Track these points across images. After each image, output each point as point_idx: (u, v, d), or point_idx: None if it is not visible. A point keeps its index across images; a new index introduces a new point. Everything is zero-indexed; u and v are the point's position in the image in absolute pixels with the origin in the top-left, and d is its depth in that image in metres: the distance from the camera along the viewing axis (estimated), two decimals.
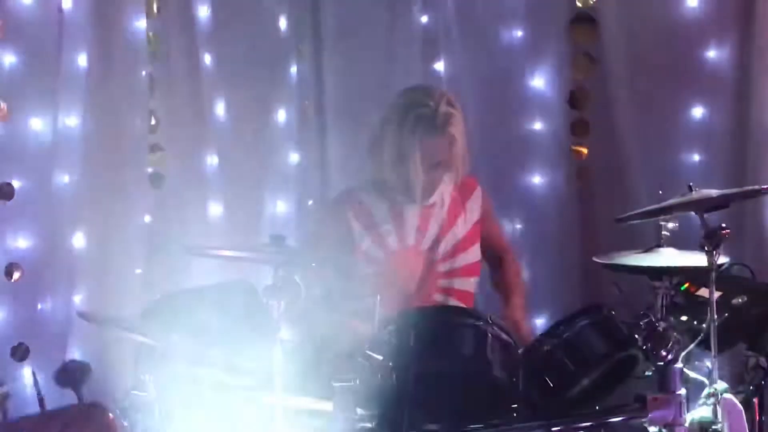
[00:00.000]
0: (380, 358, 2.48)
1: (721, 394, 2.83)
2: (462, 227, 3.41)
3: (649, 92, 4.17)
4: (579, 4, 4.26)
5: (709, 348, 2.88)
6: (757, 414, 3.17)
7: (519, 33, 4.34)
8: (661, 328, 2.71)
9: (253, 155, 4.41)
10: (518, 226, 4.34)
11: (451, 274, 3.37)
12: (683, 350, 2.74)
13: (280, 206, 4.54)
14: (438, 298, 3.35)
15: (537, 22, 4.33)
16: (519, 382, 2.70)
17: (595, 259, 3.51)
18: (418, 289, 3.32)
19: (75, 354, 3.71)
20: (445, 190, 3.40)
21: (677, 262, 3.31)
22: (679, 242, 3.37)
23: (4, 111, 3.49)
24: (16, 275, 3.56)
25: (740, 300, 3.25)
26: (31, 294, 3.60)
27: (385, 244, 3.31)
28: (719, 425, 2.81)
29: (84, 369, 2.28)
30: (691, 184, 3.18)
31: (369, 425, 2.56)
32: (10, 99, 3.51)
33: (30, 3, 3.54)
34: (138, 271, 3.89)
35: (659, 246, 3.40)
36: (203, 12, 4.17)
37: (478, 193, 3.48)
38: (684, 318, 3.22)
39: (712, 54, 4.10)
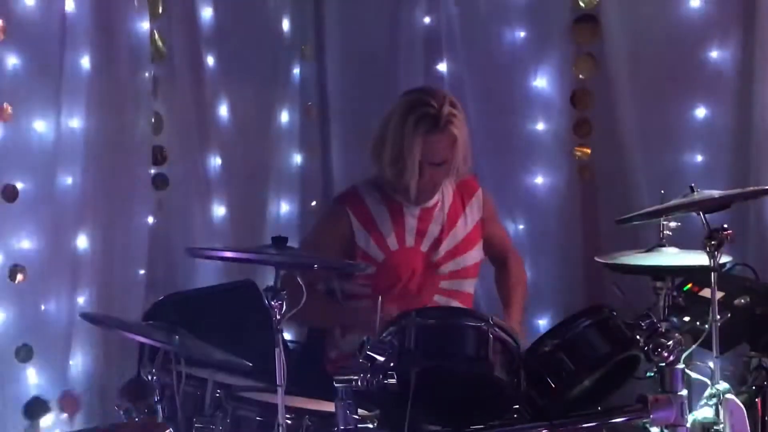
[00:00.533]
0: (382, 358, 2.48)
1: (723, 395, 2.83)
2: (462, 229, 3.41)
3: (651, 92, 4.16)
4: (582, 5, 4.25)
5: (711, 348, 2.88)
6: (760, 414, 3.17)
7: (522, 33, 4.34)
8: (662, 329, 2.71)
9: (256, 156, 4.42)
10: (521, 226, 4.34)
11: (451, 275, 3.37)
12: (685, 351, 2.74)
13: (284, 207, 4.55)
14: (438, 299, 3.35)
15: (539, 22, 4.33)
16: (520, 382, 2.70)
17: (597, 259, 3.52)
18: (418, 291, 3.33)
19: (78, 355, 3.72)
20: (446, 191, 3.41)
21: (679, 262, 3.31)
22: (681, 242, 3.37)
23: (7, 112, 3.49)
24: (19, 277, 3.57)
25: (743, 300, 3.25)
26: (35, 295, 3.60)
27: (385, 244, 3.31)
28: (721, 426, 2.81)
29: (148, 387, 2.33)
30: (693, 184, 3.18)
31: (371, 426, 2.56)
32: (14, 100, 3.51)
33: (33, 4, 3.54)
34: (141, 272, 3.90)
35: (661, 246, 3.40)
36: (206, 13, 4.18)
37: (479, 194, 3.48)
38: (686, 318, 3.23)
39: (714, 54, 4.10)
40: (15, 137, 3.53)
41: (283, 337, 2.48)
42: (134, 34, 3.84)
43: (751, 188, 3.57)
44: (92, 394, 3.75)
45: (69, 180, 3.66)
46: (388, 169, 3.25)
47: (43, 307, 3.62)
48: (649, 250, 3.44)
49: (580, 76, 4.32)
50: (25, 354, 3.59)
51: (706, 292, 3.23)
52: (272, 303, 2.49)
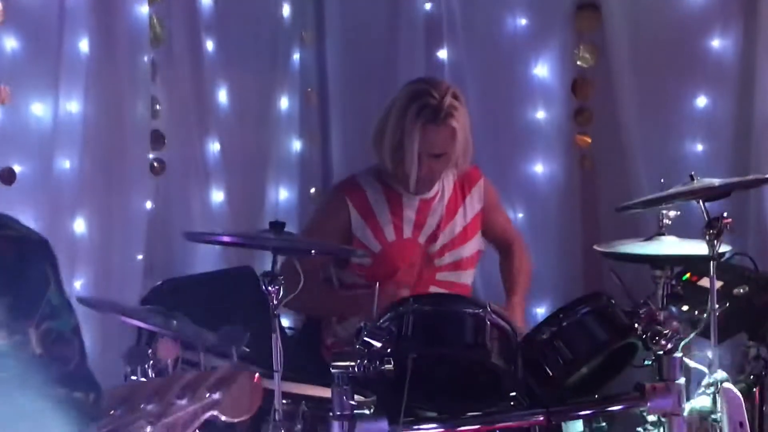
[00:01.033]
0: (379, 344, 2.47)
1: (721, 384, 2.82)
2: (461, 220, 3.40)
3: (652, 81, 4.16)
4: None
5: (709, 337, 2.88)
6: (757, 404, 3.17)
7: (523, 21, 4.32)
8: (661, 317, 2.70)
9: (255, 142, 4.41)
10: (520, 214, 4.34)
11: (448, 267, 3.37)
12: (683, 339, 2.73)
13: (283, 193, 4.54)
14: (435, 291, 3.34)
15: (541, 10, 4.31)
16: (518, 369, 2.70)
17: (596, 247, 3.51)
18: (415, 281, 3.32)
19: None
20: (447, 182, 3.39)
21: (678, 251, 3.31)
22: (680, 231, 3.36)
23: (6, 92, 3.47)
24: None
25: (741, 290, 3.25)
26: None
27: (382, 235, 3.31)
28: (718, 415, 2.81)
29: (242, 333, 2.36)
30: (693, 173, 3.18)
31: (367, 412, 2.55)
32: (12, 83, 3.49)
33: None
34: (139, 257, 3.88)
35: (661, 234, 3.40)
36: None
37: (481, 183, 3.47)
38: (685, 307, 3.22)
39: (716, 43, 4.09)
40: (13, 120, 3.51)
41: (280, 322, 2.48)
42: (133, 18, 3.81)
43: (751, 177, 3.56)
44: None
45: (67, 164, 3.64)
46: (388, 158, 3.24)
47: None
48: (649, 239, 3.43)
49: (581, 65, 4.31)
50: None
51: (704, 282, 3.23)
52: (269, 288, 2.49)
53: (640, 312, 2.72)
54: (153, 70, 3.95)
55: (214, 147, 4.18)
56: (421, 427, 2.67)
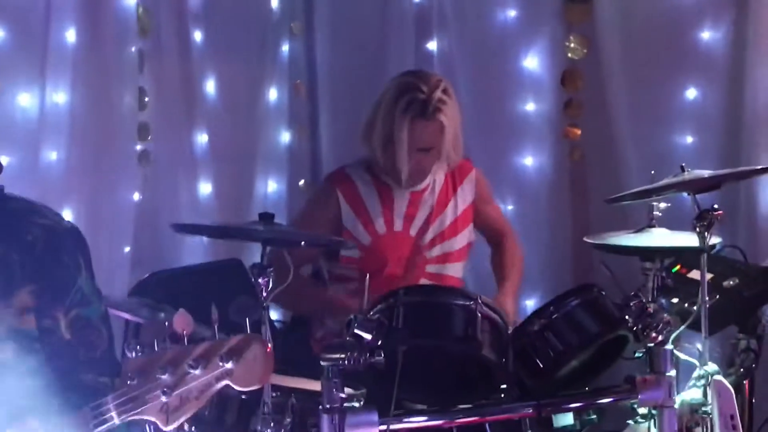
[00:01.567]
0: (369, 336, 2.46)
1: (712, 376, 2.82)
2: (452, 213, 3.38)
3: (642, 73, 4.15)
4: None
5: (699, 330, 2.88)
6: (747, 396, 3.17)
7: (512, 13, 4.31)
8: (651, 310, 2.69)
9: (244, 134, 4.39)
10: (510, 206, 4.33)
11: (438, 259, 3.36)
12: (674, 332, 2.72)
13: (271, 185, 4.52)
14: (425, 283, 3.32)
15: (530, 1, 4.31)
16: (508, 362, 2.68)
17: (586, 239, 3.50)
18: (405, 274, 3.31)
19: None
20: (438, 174, 3.38)
21: (669, 243, 3.30)
22: (671, 223, 3.36)
23: None
24: None
25: (731, 282, 3.24)
26: None
27: (373, 227, 3.29)
28: (709, 407, 2.81)
29: (254, 304, 2.37)
30: (683, 164, 3.17)
31: (357, 405, 2.54)
32: None
33: None
34: (126, 249, 3.86)
35: (651, 226, 3.39)
36: None
37: (472, 175, 3.45)
38: (675, 300, 3.22)
39: (706, 35, 4.09)
40: None
41: (269, 315, 2.46)
42: (120, 8, 3.78)
43: (742, 168, 3.56)
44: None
45: (54, 155, 3.62)
46: (378, 152, 3.23)
47: None
48: (639, 230, 3.42)
49: (571, 56, 4.30)
50: None
51: (694, 274, 3.23)
52: (258, 280, 2.47)
53: (631, 304, 2.70)
54: (140, 61, 3.92)
55: (202, 138, 4.16)
56: (412, 419, 2.66)
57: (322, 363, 2.45)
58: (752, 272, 3.32)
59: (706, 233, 2.89)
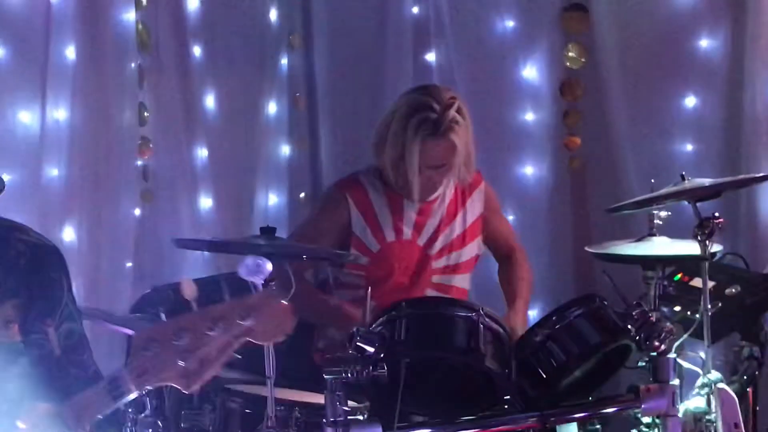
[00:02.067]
0: (372, 349, 2.46)
1: (715, 385, 2.82)
2: (460, 224, 3.37)
3: (641, 82, 4.16)
4: None
5: (702, 338, 2.88)
6: (750, 404, 3.16)
7: (510, 23, 4.31)
8: (654, 318, 2.69)
9: (244, 147, 4.39)
10: (510, 216, 4.31)
11: (444, 270, 3.34)
12: (676, 340, 2.73)
13: (272, 199, 4.52)
14: (430, 293, 3.31)
15: (528, 11, 4.30)
16: (511, 373, 2.68)
17: (587, 248, 3.50)
18: (411, 284, 3.29)
19: None
20: (448, 185, 3.36)
21: (670, 251, 3.30)
22: (671, 231, 3.36)
23: None
24: None
25: (733, 290, 3.24)
26: None
27: (382, 235, 3.28)
28: (713, 415, 2.81)
29: (265, 264, 2.39)
30: (683, 173, 3.17)
31: (361, 418, 2.54)
32: None
33: None
34: (128, 264, 3.86)
35: (652, 235, 3.39)
36: (193, 3, 4.14)
37: (482, 187, 3.43)
38: (677, 308, 3.22)
39: (704, 43, 4.09)
40: (0, 128, 3.49)
41: None
42: (120, 24, 3.79)
43: (742, 176, 3.56)
44: None
45: (55, 171, 3.63)
46: (389, 168, 3.22)
47: None
48: (640, 239, 3.43)
49: (570, 66, 4.30)
50: None
51: (696, 282, 3.22)
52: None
53: (633, 313, 2.71)
54: (140, 77, 3.93)
55: (202, 153, 4.16)
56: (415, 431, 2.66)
57: (325, 376, 2.45)
58: (754, 279, 3.31)
59: (707, 241, 2.90)
